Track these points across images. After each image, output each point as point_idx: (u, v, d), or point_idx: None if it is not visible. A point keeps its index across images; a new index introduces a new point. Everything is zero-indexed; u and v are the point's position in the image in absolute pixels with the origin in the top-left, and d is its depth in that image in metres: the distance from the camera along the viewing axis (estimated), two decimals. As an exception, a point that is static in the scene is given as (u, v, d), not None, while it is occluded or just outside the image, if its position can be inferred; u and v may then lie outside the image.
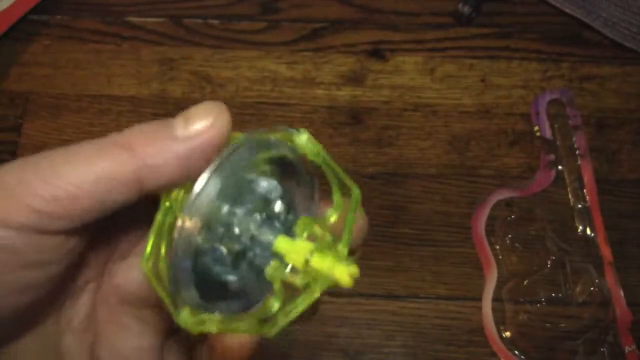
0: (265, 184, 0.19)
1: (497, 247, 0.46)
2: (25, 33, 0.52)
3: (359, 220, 0.21)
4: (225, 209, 0.18)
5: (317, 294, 0.17)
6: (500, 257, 0.45)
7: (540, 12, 0.54)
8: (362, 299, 0.44)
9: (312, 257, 0.18)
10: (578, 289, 0.44)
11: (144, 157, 0.18)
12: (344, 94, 0.51)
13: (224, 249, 0.19)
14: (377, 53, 0.52)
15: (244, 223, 0.19)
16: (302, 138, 0.19)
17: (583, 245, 0.46)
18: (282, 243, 0.18)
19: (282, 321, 0.18)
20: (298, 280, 0.18)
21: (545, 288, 0.45)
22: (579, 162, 0.48)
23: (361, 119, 0.50)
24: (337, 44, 0.52)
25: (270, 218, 0.19)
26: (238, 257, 0.19)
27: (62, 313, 0.21)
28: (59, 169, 0.18)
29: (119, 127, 0.55)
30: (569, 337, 0.43)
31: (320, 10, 0.54)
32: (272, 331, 0.18)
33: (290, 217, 0.20)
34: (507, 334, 0.44)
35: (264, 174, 0.19)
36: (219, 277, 0.19)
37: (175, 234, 0.17)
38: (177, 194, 0.18)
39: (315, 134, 0.53)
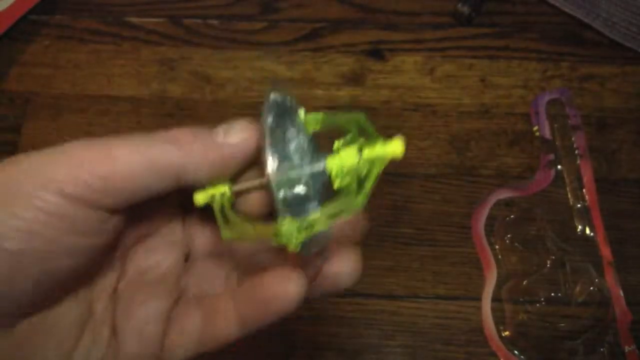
0: (298, 137, 0.23)
1: (497, 247, 0.46)
2: (25, 33, 0.53)
3: (359, 217, 0.25)
4: (295, 170, 0.22)
5: (379, 169, 0.22)
6: (499, 257, 0.45)
7: (540, 12, 0.54)
8: (362, 299, 0.45)
9: (363, 152, 0.22)
10: (578, 289, 0.44)
11: (188, 151, 0.21)
12: (344, 94, 0.51)
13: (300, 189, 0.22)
14: (376, 53, 0.52)
15: (301, 168, 0.22)
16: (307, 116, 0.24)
17: (583, 245, 0.46)
18: (332, 160, 0.22)
19: (364, 189, 0.22)
20: (360, 170, 0.22)
21: (545, 288, 0.45)
22: (579, 161, 0.48)
23: (361, 119, 0.50)
24: (336, 43, 0.52)
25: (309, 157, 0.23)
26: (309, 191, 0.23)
27: (95, 284, 0.25)
28: (114, 152, 0.21)
29: (119, 128, 0.55)
30: (568, 336, 0.44)
31: (320, 10, 0.54)
32: (359, 202, 0.21)
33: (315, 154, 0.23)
34: (507, 333, 0.44)
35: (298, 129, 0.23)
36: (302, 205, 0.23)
37: (277, 191, 0.21)
38: (215, 189, 0.23)
39: (315, 134, 0.53)
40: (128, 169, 0.21)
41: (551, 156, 0.48)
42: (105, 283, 0.25)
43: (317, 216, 0.21)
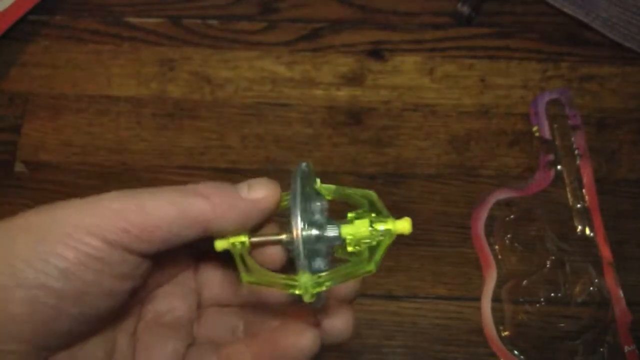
0: (318, 203, 0.26)
1: (497, 247, 0.46)
2: (25, 33, 0.52)
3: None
4: (313, 232, 0.25)
5: (388, 242, 0.25)
6: (499, 257, 0.45)
7: (540, 12, 0.54)
8: (362, 299, 0.45)
9: (375, 225, 0.25)
10: (577, 289, 0.44)
11: (215, 205, 0.24)
12: (344, 94, 0.51)
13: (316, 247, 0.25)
14: (376, 53, 0.52)
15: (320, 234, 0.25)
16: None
17: (582, 245, 0.46)
18: (345, 229, 0.25)
19: (376, 257, 0.24)
20: (373, 242, 0.25)
21: (545, 288, 0.45)
22: (578, 162, 0.48)
23: (361, 119, 0.50)
24: (336, 44, 0.52)
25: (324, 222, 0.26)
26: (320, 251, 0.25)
27: (119, 324, 0.27)
28: (149, 203, 0.23)
29: (119, 128, 0.55)
30: (568, 337, 0.44)
31: (319, 10, 0.54)
32: (372, 267, 0.24)
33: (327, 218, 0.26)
34: (507, 333, 0.44)
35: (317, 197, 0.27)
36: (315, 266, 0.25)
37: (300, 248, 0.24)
38: (236, 239, 0.25)
39: (315, 135, 0.53)
40: (161, 219, 0.23)
41: (551, 156, 0.48)
42: (128, 323, 0.27)
43: (334, 274, 0.24)
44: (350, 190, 0.27)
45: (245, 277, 0.24)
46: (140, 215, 0.23)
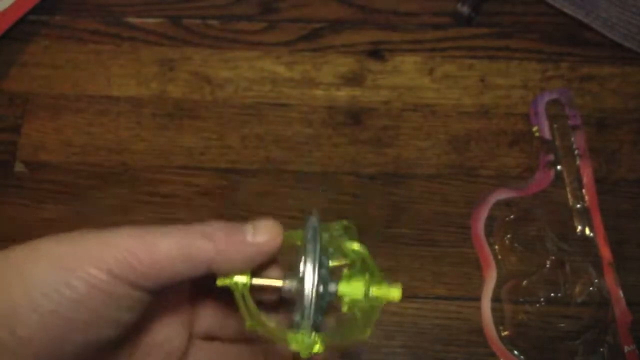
0: (325, 256, 0.27)
1: (497, 247, 0.46)
2: (24, 33, 0.52)
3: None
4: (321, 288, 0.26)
5: (380, 307, 0.26)
6: (499, 257, 0.45)
7: (540, 12, 0.54)
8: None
9: (369, 289, 0.26)
10: (577, 289, 0.44)
11: (220, 248, 0.25)
12: (343, 94, 0.51)
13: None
14: (376, 53, 0.52)
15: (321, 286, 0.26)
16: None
17: (582, 245, 0.46)
18: (343, 287, 0.26)
19: (370, 323, 0.26)
20: (366, 305, 0.26)
21: (545, 288, 0.45)
22: (578, 162, 0.48)
23: (360, 119, 0.50)
24: (336, 44, 0.52)
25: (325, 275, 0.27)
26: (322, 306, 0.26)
27: (117, 352, 0.28)
28: (157, 243, 0.24)
29: (119, 128, 0.55)
30: (568, 337, 0.44)
31: (319, 10, 0.54)
32: (367, 333, 0.25)
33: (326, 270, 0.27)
34: (507, 333, 0.44)
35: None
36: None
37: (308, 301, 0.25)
38: (238, 278, 0.26)
39: (315, 135, 0.53)
40: (167, 259, 0.24)
41: (551, 156, 0.48)
42: (125, 352, 0.28)
43: (331, 336, 0.25)
44: (343, 245, 0.27)
45: (249, 323, 0.25)
46: (148, 254, 0.24)
